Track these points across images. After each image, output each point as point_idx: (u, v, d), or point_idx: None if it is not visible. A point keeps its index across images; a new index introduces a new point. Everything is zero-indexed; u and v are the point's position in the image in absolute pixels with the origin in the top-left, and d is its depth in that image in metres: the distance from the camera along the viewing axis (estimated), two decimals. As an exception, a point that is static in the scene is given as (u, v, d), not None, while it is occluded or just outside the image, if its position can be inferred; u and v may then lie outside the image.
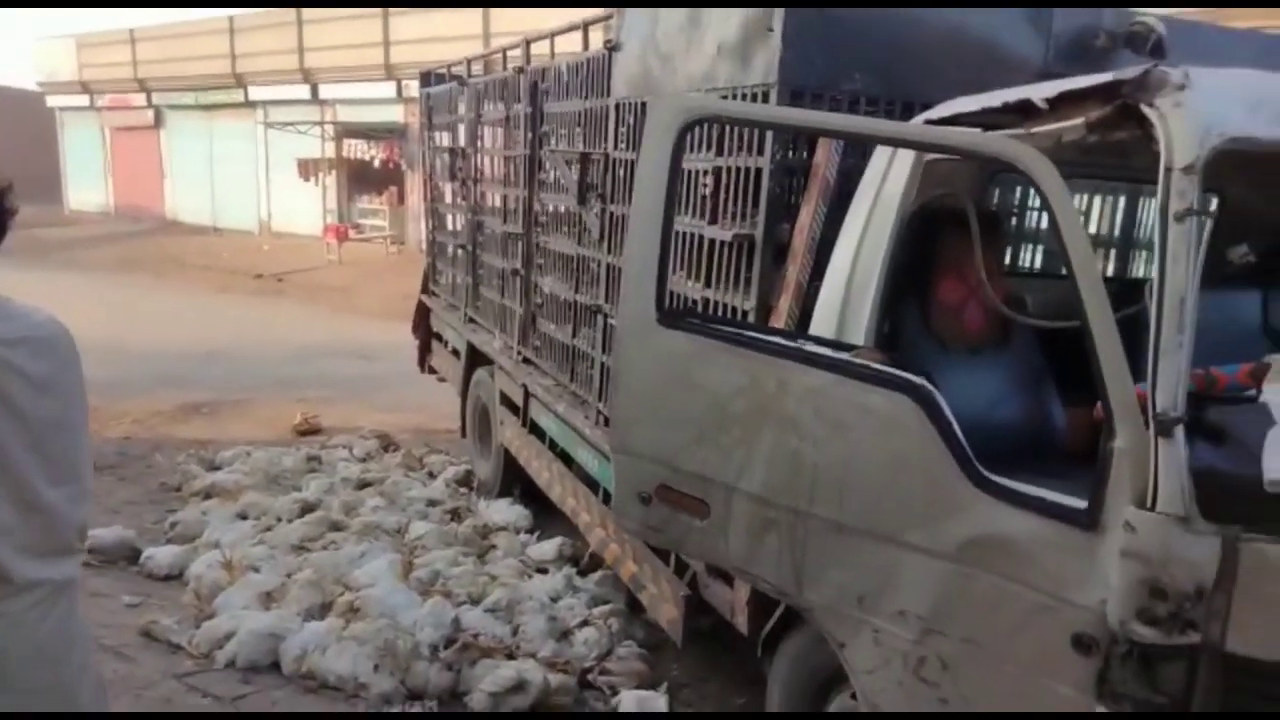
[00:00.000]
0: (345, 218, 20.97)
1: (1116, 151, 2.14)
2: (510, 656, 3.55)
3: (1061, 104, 1.93)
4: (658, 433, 2.36)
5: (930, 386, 1.98)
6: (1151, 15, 3.01)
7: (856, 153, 2.64)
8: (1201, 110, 1.71)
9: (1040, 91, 1.98)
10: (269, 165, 22.75)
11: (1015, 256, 3.41)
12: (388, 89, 19.50)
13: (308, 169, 20.96)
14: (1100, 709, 1.80)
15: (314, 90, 21.19)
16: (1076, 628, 1.81)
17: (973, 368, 2.58)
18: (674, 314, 2.37)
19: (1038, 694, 1.91)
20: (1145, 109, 1.75)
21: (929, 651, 2.03)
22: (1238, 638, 1.69)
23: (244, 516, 4.99)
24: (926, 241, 2.54)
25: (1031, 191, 3.39)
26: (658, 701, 3.35)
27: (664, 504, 2.39)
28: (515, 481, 5.33)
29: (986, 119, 2.18)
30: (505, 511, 5.16)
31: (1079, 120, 1.86)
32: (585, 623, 3.87)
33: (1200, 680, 1.73)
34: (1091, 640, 1.79)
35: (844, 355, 2.17)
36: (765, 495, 2.21)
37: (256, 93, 22.50)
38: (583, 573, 4.44)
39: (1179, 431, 1.66)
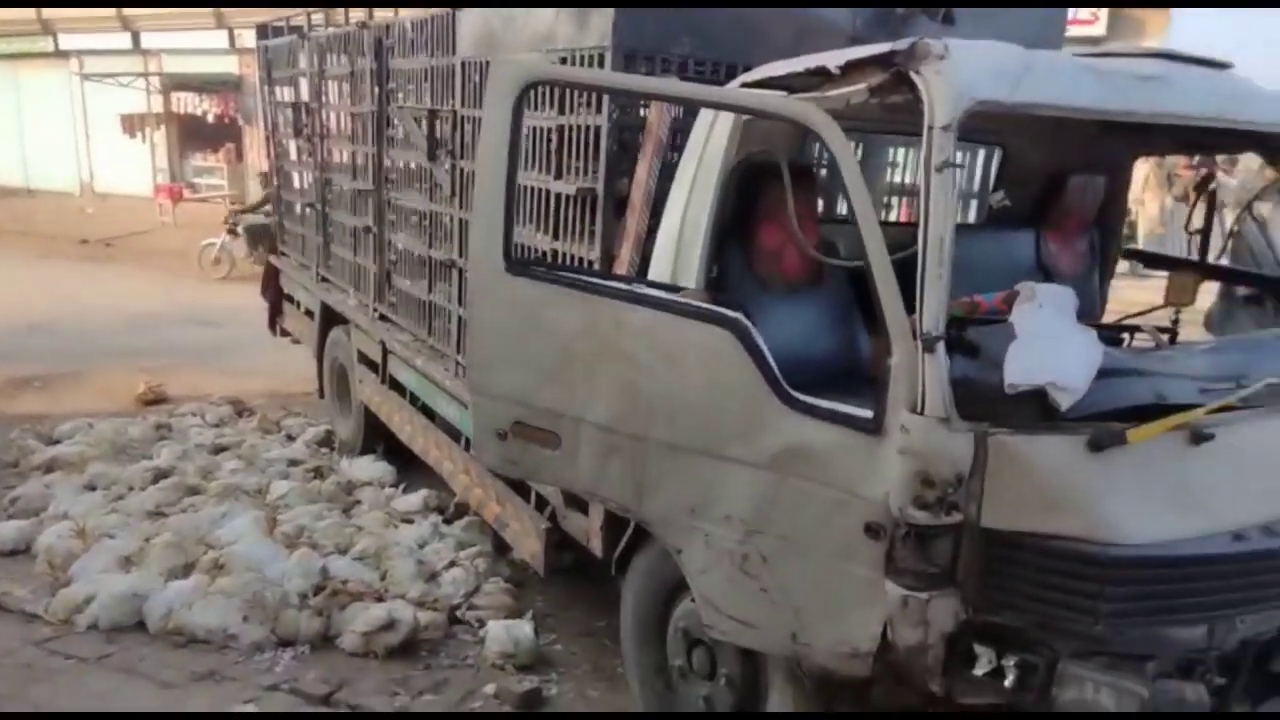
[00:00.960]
0: (178, 177, 19.73)
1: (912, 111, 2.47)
2: (380, 599, 3.71)
3: (850, 70, 2.22)
4: (510, 373, 2.56)
5: (744, 320, 2.25)
6: (945, -12, 3.37)
7: (687, 111, 2.89)
8: (957, 78, 2.02)
9: (833, 59, 2.26)
10: (88, 121, 21.03)
11: (833, 205, 3.76)
12: (219, 38, 18.35)
13: (133, 125, 19.51)
14: (889, 583, 2.15)
15: (135, 39, 19.67)
16: (868, 517, 2.12)
17: (792, 305, 2.90)
18: (521, 263, 2.56)
19: (840, 577, 2.24)
20: (913, 76, 2.06)
21: (751, 549, 2.34)
22: (990, 514, 2.04)
23: (92, 487, 4.85)
24: (748, 193, 2.82)
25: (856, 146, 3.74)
26: (524, 628, 3.60)
27: (519, 439, 2.60)
28: (377, 438, 5.39)
29: (794, 81, 2.46)
30: (369, 468, 5.23)
31: (863, 85, 2.16)
32: (452, 564, 4.06)
33: (964, 552, 2.09)
34: (880, 527, 2.12)
35: (672, 296, 2.43)
36: (608, 424, 2.45)
37: (69, 41, 20.65)
38: (449, 521, 4.61)
39: (940, 348, 2.00)
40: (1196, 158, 10.44)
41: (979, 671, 2.16)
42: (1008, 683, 2.14)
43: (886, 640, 2.17)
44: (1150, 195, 13.13)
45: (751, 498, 2.32)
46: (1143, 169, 13.15)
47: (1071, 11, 12.86)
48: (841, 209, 3.81)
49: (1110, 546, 2.01)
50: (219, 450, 5.58)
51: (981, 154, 3.83)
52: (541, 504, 3.55)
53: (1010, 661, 2.13)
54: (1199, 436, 2.03)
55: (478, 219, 2.51)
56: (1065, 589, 2.05)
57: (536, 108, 3.26)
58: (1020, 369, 2.00)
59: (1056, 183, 3.43)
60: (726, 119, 2.63)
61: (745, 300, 2.77)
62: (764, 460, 2.27)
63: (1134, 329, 2.98)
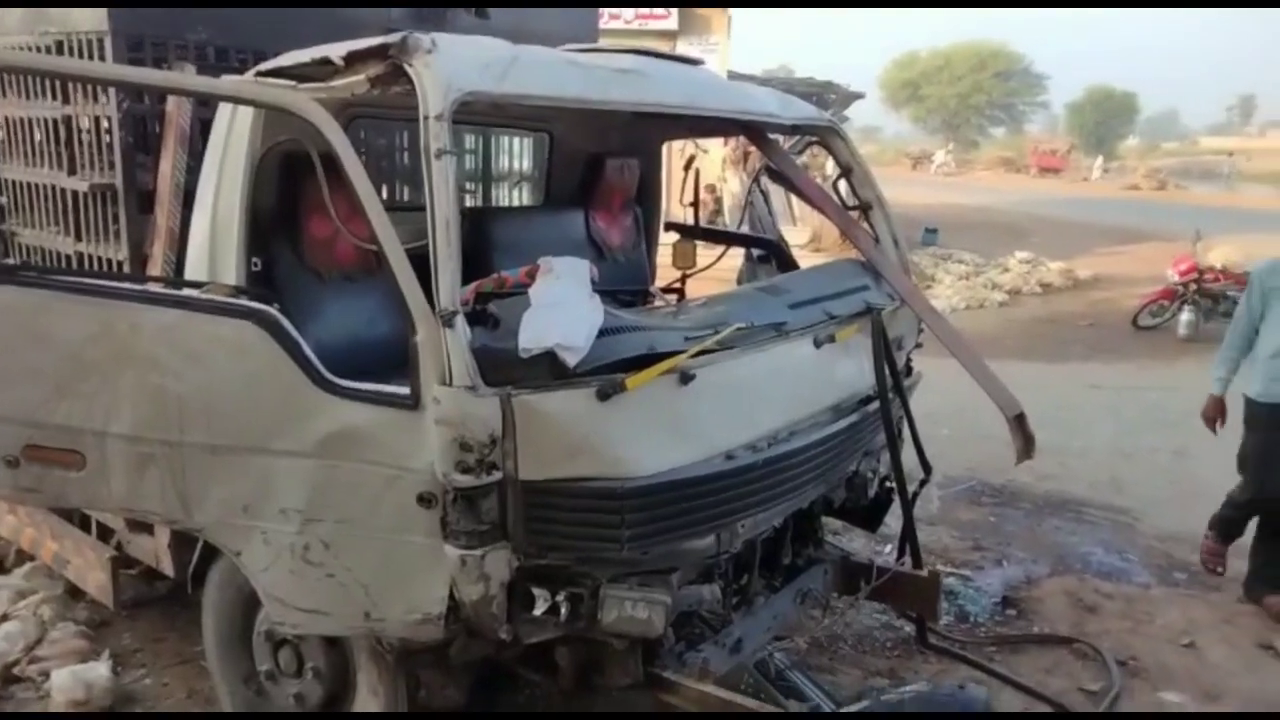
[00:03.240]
0: None
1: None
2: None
3: (353, 61, 2.28)
4: (10, 392, 2.29)
5: (273, 311, 2.23)
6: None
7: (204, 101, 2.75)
8: (445, 70, 2.17)
9: (337, 50, 2.31)
10: None
11: (393, 191, 3.81)
12: None
13: None
14: (448, 546, 2.28)
15: None
16: (419, 489, 2.23)
17: (351, 293, 2.92)
18: (6, 269, 2.30)
19: (402, 549, 2.33)
20: (407, 68, 2.17)
21: (311, 538, 2.35)
22: (526, 468, 2.23)
23: None
24: (290, 182, 2.77)
25: (402, 134, 3.82)
26: (98, 670, 3.27)
27: (35, 463, 2.35)
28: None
29: (305, 71, 2.46)
30: (-106, 529, 4.38)
31: (363, 76, 2.23)
32: (4, 618, 3.56)
33: (510, 505, 2.27)
34: (431, 496, 2.23)
35: (191, 292, 2.34)
36: (137, 433, 2.30)
37: None
38: (6, 570, 4.03)
39: (459, 321, 2.14)
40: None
41: (538, 612, 2.37)
42: (563, 616, 2.37)
43: (454, 600, 2.31)
44: (731, 173, 14.93)
45: (304, 487, 2.32)
46: (722, 151, 14.94)
47: (647, 8, 14.23)
48: (402, 196, 3.88)
49: (624, 480, 2.29)
50: None
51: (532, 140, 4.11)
52: (107, 533, 3.24)
53: (562, 597, 2.37)
54: (685, 377, 2.39)
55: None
56: (594, 523, 2.31)
57: (33, 96, 2.92)
58: (531, 334, 2.21)
59: (597, 165, 3.79)
60: (248, 108, 2.57)
61: (298, 292, 2.76)
62: (311, 448, 2.28)
63: (647, 292, 3.42)
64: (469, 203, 4.25)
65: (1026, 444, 3.11)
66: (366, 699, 2.68)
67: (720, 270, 3.98)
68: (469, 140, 4.31)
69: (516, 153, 4.35)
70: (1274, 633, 3.98)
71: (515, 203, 4.36)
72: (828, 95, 18.54)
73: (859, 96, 21.48)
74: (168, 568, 2.96)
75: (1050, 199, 29.53)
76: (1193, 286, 10.99)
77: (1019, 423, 3.07)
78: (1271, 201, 30.89)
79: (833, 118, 3.41)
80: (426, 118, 2.12)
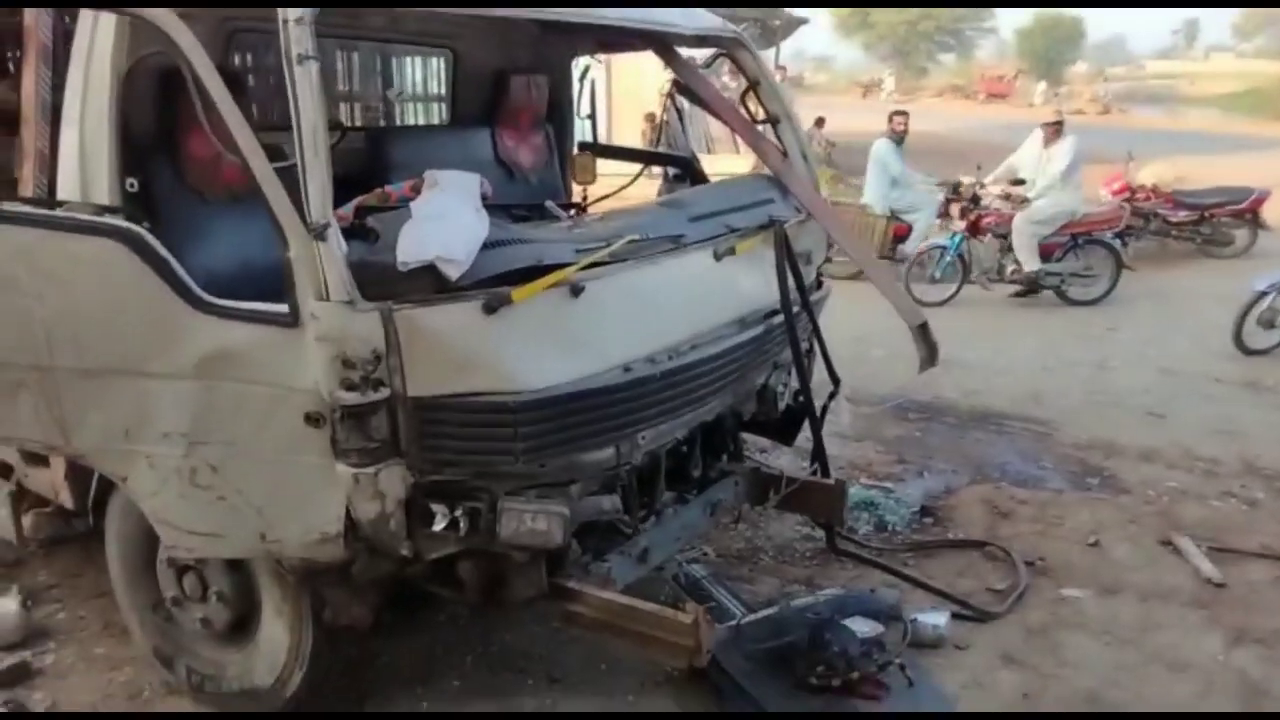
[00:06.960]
0: None
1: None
2: None
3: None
4: None
5: (138, 229, 2.16)
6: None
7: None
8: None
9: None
10: None
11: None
12: None
13: None
14: (340, 465, 2.26)
15: None
16: (306, 408, 2.20)
17: (240, 215, 2.82)
18: None
19: (293, 469, 2.30)
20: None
21: (198, 461, 2.31)
22: (414, 384, 2.21)
23: None
24: (166, 98, 2.65)
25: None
26: (5, 604, 3.24)
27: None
28: None
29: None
30: None
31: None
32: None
33: (400, 422, 2.25)
34: (318, 415, 2.20)
35: (50, 211, 2.24)
36: (4, 358, 2.24)
37: None
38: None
39: (332, 234, 2.09)
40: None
41: (437, 527, 2.37)
42: (462, 531, 2.38)
43: (351, 518, 2.30)
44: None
45: (186, 410, 2.28)
46: (660, 77, 14.68)
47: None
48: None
49: (516, 394, 2.29)
50: None
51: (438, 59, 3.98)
52: (5, 469, 3.17)
53: (460, 511, 2.37)
54: (576, 290, 2.37)
55: None
56: (489, 438, 2.31)
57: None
58: (409, 247, 2.17)
59: (503, 83, 3.69)
60: (109, 17, 2.43)
61: (180, 214, 2.66)
62: (189, 370, 2.23)
63: (541, 208, 3.37)
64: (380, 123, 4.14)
65: (930, 352, 3.16)
66: (271, 619, 2.69)
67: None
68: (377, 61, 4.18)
69: (427, 74, 4.22)
70: (1174, 530, 4.15)
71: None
72: (772, 21, 18.19)
73: (803, 22, 21.13)
74: (67, 500, 2.90)
75: (997, 124, 29.58)
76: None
77: (922, 332, 3.12)
78: (1211, 123, 31.37)
79: (739, 32, 3.33)
80: (285, 21, 2.04)
